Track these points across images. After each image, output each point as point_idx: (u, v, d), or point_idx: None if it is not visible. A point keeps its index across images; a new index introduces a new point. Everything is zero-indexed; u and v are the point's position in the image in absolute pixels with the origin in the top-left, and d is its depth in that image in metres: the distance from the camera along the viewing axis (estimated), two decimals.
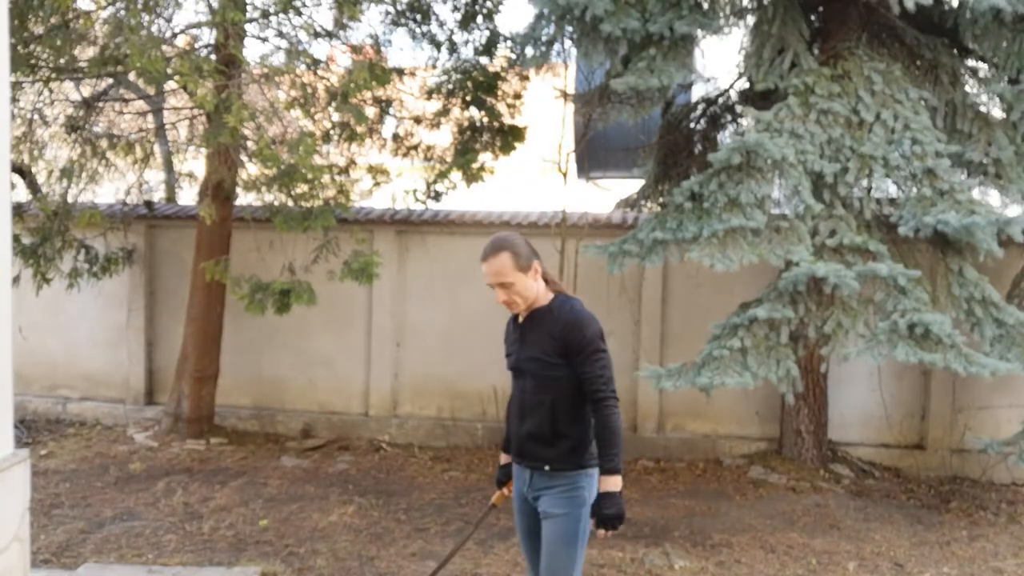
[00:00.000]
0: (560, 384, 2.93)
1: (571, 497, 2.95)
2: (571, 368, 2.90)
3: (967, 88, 6.23)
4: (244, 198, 7.20)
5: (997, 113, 6.10)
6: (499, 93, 7.44)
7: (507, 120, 7.51)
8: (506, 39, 7.24)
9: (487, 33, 7.31)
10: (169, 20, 6.16)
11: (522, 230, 7.52)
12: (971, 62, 6.43)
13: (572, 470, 2.96)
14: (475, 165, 7.18)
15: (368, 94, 6.88)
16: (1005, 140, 5.76)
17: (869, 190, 5.85)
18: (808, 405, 6.72)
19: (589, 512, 2.93)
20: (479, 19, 7.27)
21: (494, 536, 5.19)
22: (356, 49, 6.95)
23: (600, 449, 2.89)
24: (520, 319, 3.05)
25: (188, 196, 9.62)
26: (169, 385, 7.56)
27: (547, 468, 2.98)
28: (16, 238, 6.43)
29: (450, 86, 7.48)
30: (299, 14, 6.13)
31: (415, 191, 7.33)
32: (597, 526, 2.86)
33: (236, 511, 5.56)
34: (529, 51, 6.22)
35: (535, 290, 2.97)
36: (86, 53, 6.55)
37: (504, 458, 3.33)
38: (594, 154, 8.63)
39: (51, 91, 6.78)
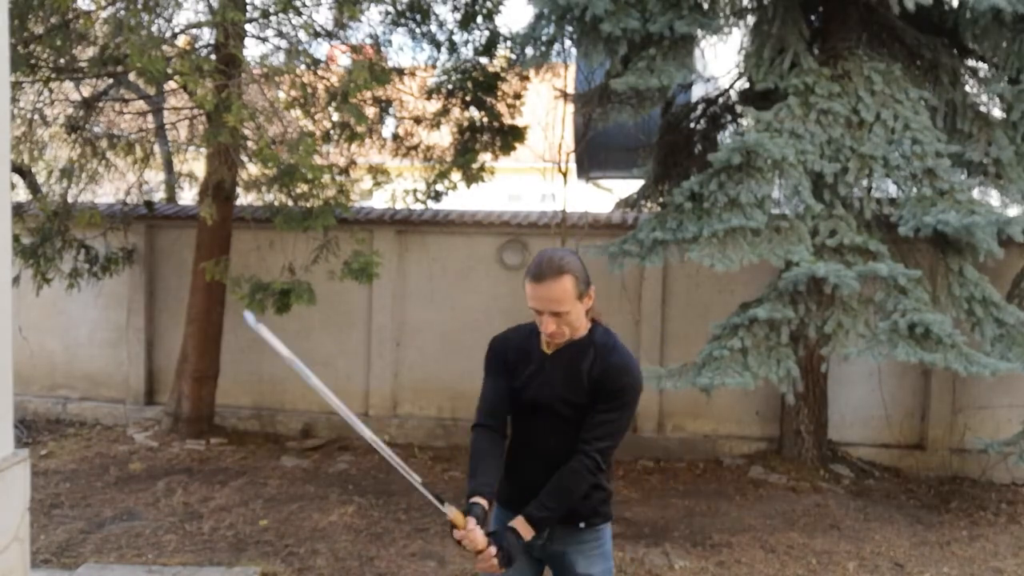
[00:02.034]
0: None
1: (604, 553, 2.65)
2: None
3: (967, 88, 6.23)
4: (244, 198, 7.21)
5: (997, 113, 6.10)
6: (499, 93, 7.44)
7: (507, 120, 7.50)
8: (506, 39, 7.23)
9: (487, 33, 7.31)
10: (169, 20, 6.15)
11: (522, 230, 7.55)
12: (971, 62, 6.43)
13: (603, 523, 2.63)
14: (475, 165, 7.18)
15: (368, 94, 6.88)
16: (1005, 140, 5.76)
17: (869, 190, 5.85)
18: (808, 405, 6.72)
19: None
20: (479, 19, 7.27)
21: None
22: (356, 49, 6.96)
23: (545, 494, 2.42)
24: (548, 348, 2.54)
25: (188, 196, 9.63)
26: (169, 385, 7.56)
27: (582, 525, 2.56)
28: (16, 238, 6.43)
29: (450, 86, 7.47)
30: (299, 14, 6.13)
31: (415, 191, 7.32)
32: (497, 554, 2.35)
33: (236, 511, 5.56)
34: (529, 51, 6.23)
35: (583, 320, 2.49)
36: (86, 53, 6.55)
37: (480, 500, 2.45)
38: (594, 154, 8.63)
39: (51, 91, 6.78)
